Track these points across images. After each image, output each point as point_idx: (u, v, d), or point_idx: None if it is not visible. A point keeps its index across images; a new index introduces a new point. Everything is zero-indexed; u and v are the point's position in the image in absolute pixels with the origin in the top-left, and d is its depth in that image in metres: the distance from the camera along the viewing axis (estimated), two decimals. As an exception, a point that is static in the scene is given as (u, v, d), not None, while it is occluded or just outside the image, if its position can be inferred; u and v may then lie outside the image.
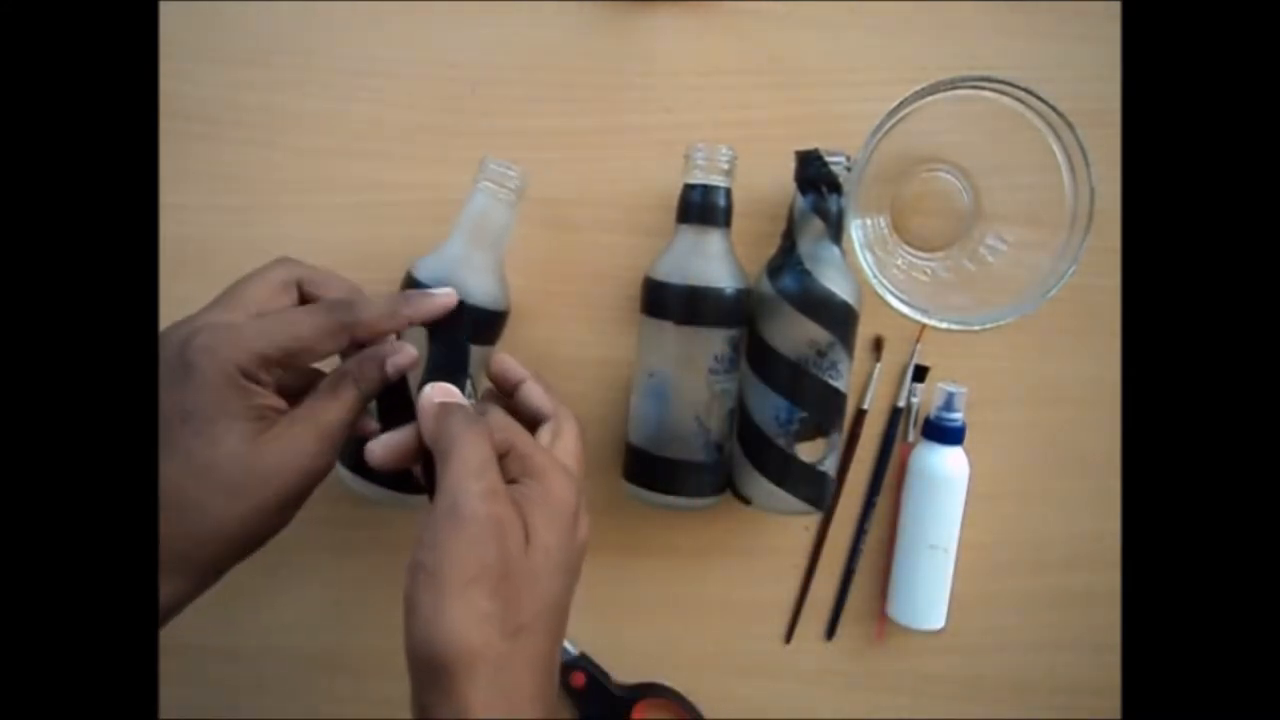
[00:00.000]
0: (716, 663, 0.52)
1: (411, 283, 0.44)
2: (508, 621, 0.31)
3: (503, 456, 0.35)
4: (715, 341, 0.45)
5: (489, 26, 0.50)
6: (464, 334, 0.41)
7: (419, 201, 0.50)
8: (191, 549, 0.34)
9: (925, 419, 0.49)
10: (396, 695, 0.46)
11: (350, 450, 0.42)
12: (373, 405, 0.39)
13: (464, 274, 0.43)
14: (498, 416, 0.37)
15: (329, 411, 0.37)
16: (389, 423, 0.38)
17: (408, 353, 0.38)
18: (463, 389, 0.39)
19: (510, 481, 0.35)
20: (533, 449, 0.37)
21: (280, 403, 0.37)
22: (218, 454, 0.34)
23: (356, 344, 0.38)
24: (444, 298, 0.40)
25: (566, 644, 0.51)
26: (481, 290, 0.44)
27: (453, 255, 0.44)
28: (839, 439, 0.47)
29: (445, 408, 0.36)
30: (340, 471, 0.44)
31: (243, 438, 0.34)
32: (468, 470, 0.33)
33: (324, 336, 0.37)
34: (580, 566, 0.37)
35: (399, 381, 0.38)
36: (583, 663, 0.51)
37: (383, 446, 0.37)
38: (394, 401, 0.39)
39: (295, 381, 0.39)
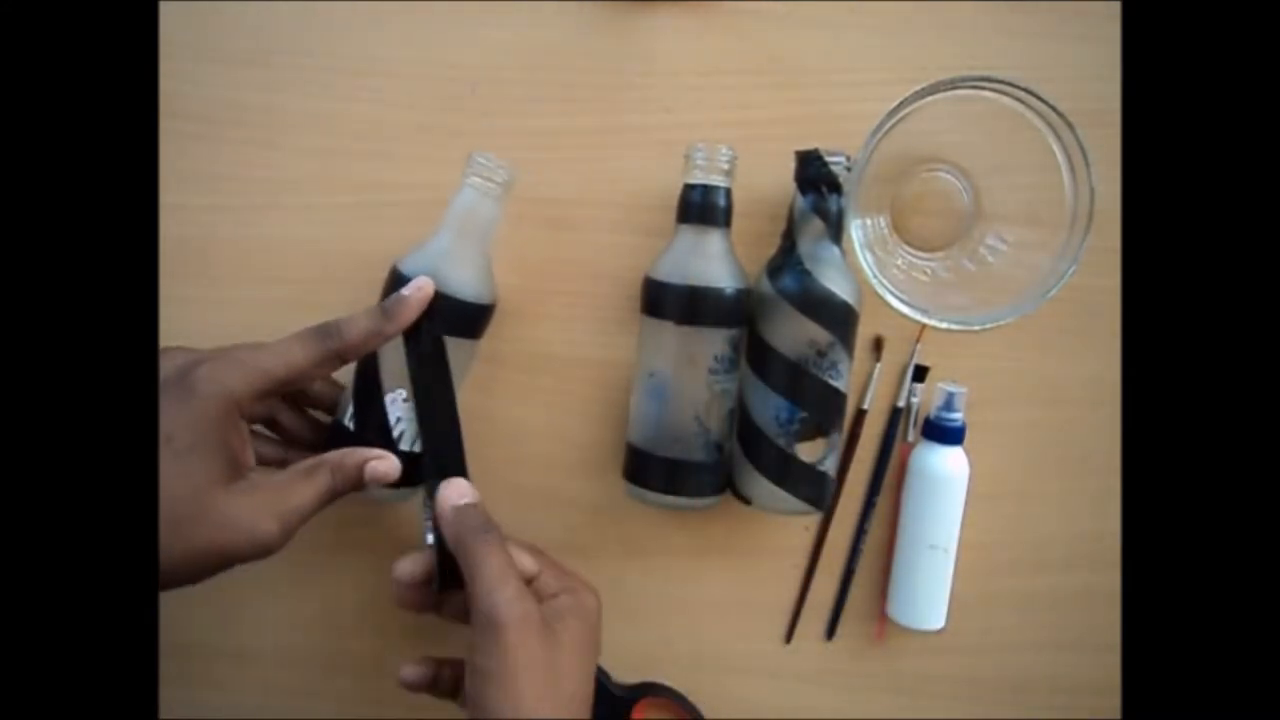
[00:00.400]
0: (716, 663, 0.52)
1: (396, 277, 0.44)
2: (559, 702, 0.37)
3: (531, 581, 0.42)
4: (715, 341, 0.45)
5: (489, 26, 0.50)
6: (437, 328, 0.43)
7: (419, 201, 0.50)
8: None
9: (925, 419, 0.49)
10: (396, 695, 0.46)
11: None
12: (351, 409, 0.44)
13: (448, 268, 0.43)
14: (524, 558, 0.42)
15: (298, 495, 0.37)
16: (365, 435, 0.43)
17: (391, 464, 0.40)
18: (447, 389, 0.43)
19: (550, 596, 0.41)
20: (558, 566, 0.44)
21: (251, 459, 0.38)
22: (181, 483, 0.34)
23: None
24: (420, 293, 0.41)
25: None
26: (465, 283, 0.44)
27: (437, 249, 0.44)
28: (839, 439, 0.47)
29: (460, 513, 0.39)
30: None
31: (210, 477, 0.35)
32: (494, 581, 0.37)
33: (315, 363, 0.39)
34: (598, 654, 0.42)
35: (378, 404, 0.43)
36: None
37: (406, 588, 0.42)
38: (371, 419, 0.43)
39: (292, 424, 0.44)
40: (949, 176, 0.49)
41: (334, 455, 0.39)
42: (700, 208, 0.45)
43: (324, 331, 0.40)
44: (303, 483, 0.38)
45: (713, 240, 0.45)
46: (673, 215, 0.46)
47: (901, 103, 0.41)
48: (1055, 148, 0.43)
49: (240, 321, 0.51)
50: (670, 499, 0.46)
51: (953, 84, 0.41)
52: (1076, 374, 0.51)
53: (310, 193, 0.50)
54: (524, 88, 0.50)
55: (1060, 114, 0.41)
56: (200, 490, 0.34)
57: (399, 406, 0.44)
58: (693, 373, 0.45)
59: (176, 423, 0.34)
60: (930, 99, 0.42)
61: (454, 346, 0.44)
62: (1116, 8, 0.47)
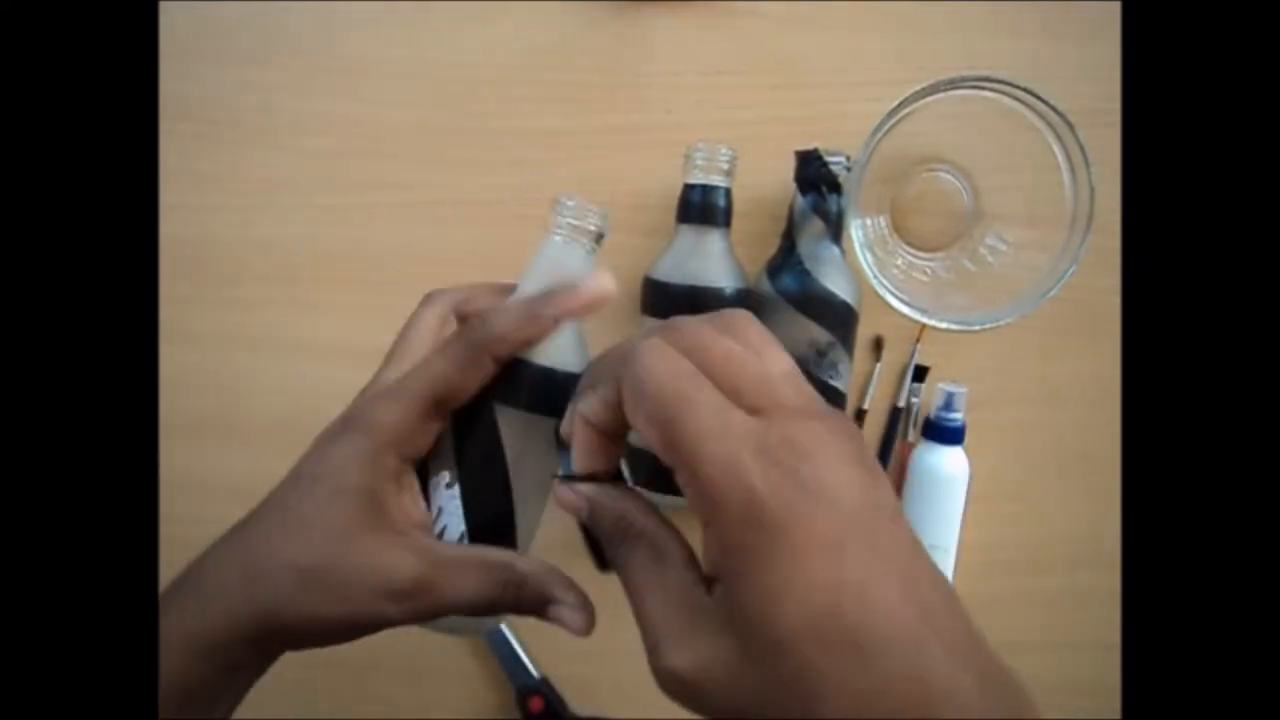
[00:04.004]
0: (716, 663, 0.52)
1: None
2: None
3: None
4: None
5: (489, 26, 0.50)
6: (513, 398, 0.33)
7: (419, 202, 0.50)
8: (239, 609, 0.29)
9: (925, 419, 0.49)
10: (396, 695, 0.46)
11: None
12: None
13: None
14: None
15: (458, 576, 0.30)
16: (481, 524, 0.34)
17: (587, 617, 0.32)
18: (500, 475, 0.34)
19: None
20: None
21: (415, 513, 0.32)
22: (310, 531, 0.30)
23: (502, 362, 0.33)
24: (599, 289, 0.33)
25: (529, 667, 0.51)
26: (559, 353, 0.34)
27: None
28: (839, 439, 0.47)
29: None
30: None
31: (350, 520, 0.30)
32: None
33: (465, 370, 0.32)
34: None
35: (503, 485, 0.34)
36: (543, 688, 0.51)
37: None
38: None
39: None
40: (949, 176, 0.49)
41: (528, 564, 0.32)
42: (700, 208, 0.45)
43: (469, 327, 0.33)
44: (472, 570, 0.31)
45: (713, 240, 0.45)
46: (673, 215, 0.46)
47: (901, 103, 0.41)
48: (1055, 148, 0.43)
49: (240, 321, 0.51)
50: (671, 499, 0.45)
51: (953, 84, 0.41)
52: (1076, 374, 0.51)
53: (310, 193, 0.50)
54: (524, 88, 0.50)
55: (1060, 114, 0.41)
56: (336, 534, 0.29)
57: (441, 493, 0.35)
58: (693, 373, 0.45)
59: (319, 467, 0.30)
60: (930, 99, 0.42)
61: (528, 426, 0.34)
62: (1116, 8, 0.47)
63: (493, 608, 0.31)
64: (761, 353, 0.26)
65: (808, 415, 0.24)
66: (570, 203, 0.36)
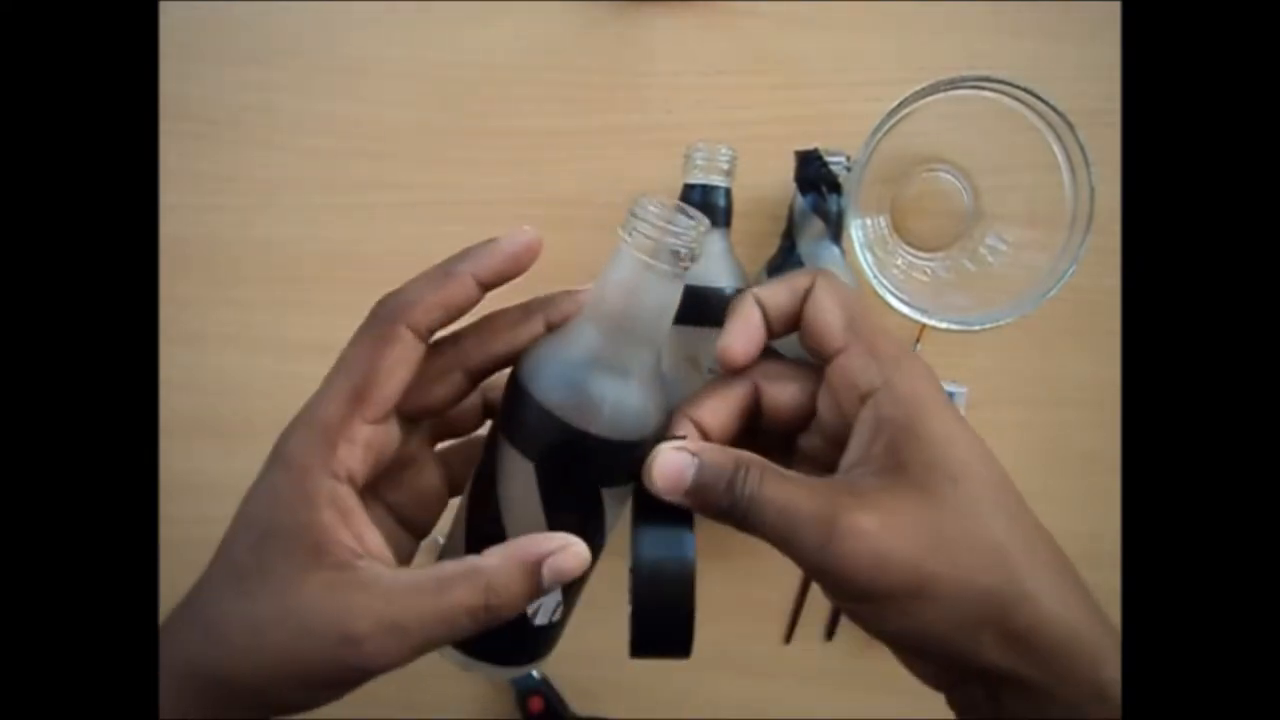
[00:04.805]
0: (716, 662, 0.52)
1: (518, 392, 0.28)
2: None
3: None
4: (715, 341, 0.45)
5: (489, 26, 0.50)
6: (578, 474, 0.28)
7: (418, 202, 0.50)
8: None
9: (925, 419, 0.49)
10: (396, 695, 0.46)
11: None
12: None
13: (602, 385, 0.27)
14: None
15: (416, 602, 0.25)
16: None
17: (579, 552, 0.27)
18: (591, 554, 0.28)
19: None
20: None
21: (367, 542, 0.27)
22: (252, 582, 0.26)
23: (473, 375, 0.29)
24: (515, 243, 0.30)
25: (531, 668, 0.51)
26: (625, 412, 0.27)
27: (583, 352, 0.28)
28: (839, 439, 0.47)
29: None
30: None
31: (292, 567, 0.26)
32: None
33: (379, 350, 0.28)
34: None
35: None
36: (543, 687, 0.51)
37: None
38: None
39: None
40: (949, 176, 0.49)
41: (493, 557, 0.26)
42: (700, 208, 0.45)
43: (376, 305, 0.28)
44: (428, 596, 0.25)
45: (713, 240, 0.45)
46: (673, 215, 0.46)
47: (901, 103, 0.41)
48: (1055, 148, 0.43)
49: (240, 321, 0.51)
50: None
51: (953, 84, 0.41)
52: (1076, 374, 0.51)
53: (310, 193, 0.50)
54: (524, 88, 0.50)
55: (1060, 114, 0.41)
56: (277, 582, 0.25)
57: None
58: (693, 373, 0.45)
59: (247, 509, 0.27)
60: (930, 99, 0.42)
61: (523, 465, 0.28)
62: (1116, 8, 0.47)
63: (474, 614, 0.26)
64: None
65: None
66: (654, 208, 0.27)
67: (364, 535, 0.27)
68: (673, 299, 0.28)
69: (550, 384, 0.27)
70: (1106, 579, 0.51)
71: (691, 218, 0.27)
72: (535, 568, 0.26)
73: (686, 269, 0.27)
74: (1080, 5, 0.49)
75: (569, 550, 0.27)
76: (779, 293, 0.29)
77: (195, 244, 0.50)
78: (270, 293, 0.51)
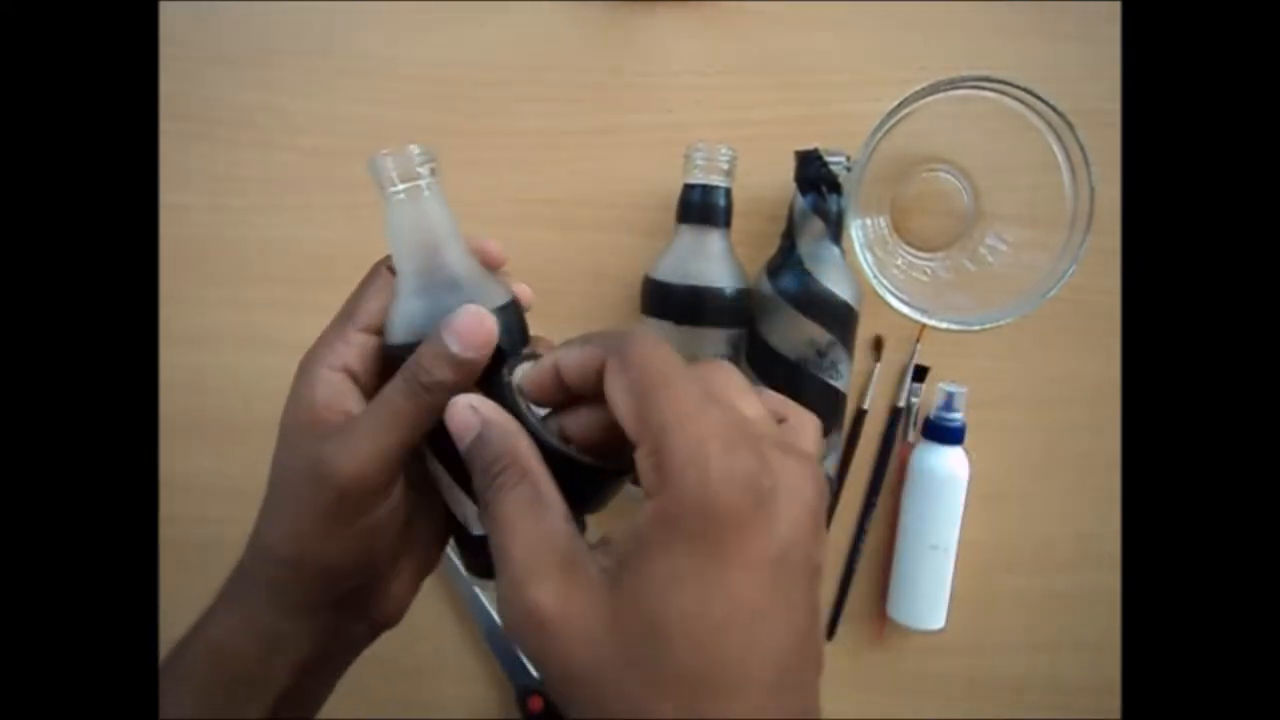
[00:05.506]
0: (716, 663, 0.52)
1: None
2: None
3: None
4: (715, 341, 0.45)
5: (489, 26, 0.50)
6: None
7: (419, 201, 0.50)
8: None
9: (925, 419, 0.49)
10: (396, 695, 0.46)
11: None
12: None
13: (392, 306, 0.33)
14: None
15: (372, 418, 0.30)
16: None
17: (483, 318, 0.30)
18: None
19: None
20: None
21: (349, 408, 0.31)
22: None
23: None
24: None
25: (529, 667, 0.50)
26: (398, 321, 0.32)
27: (396, 287, 0.34)
28: (839, 439, 0.47)
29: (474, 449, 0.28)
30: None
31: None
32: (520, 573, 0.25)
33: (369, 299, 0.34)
34: None
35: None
36: (543, 688, 0.50)
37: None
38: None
39: None
40: (949, 176, 0.49)
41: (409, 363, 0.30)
42: (700, 208, 0.45)
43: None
44: (375, 403, 0.30)
45: (713, 240, 0.45)
46: (673, 215, 0.46)
47: (901, 103, 0.41)
48: (1055, 148, 0.43)
49: (240, 321, 0.51)
50: None
51: (953, 84, 0.41)
52: (1076, 374, 0.51)
53: (310, 193, 0.50)
54: (524, 88, 0.50)
55: (1060, 114, 0.41)
56: (284, 458, 0.31)
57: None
58: (693, 373, 0.45)
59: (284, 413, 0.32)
60: (930, 99, 0.42)
61: None
62: (1116, 8, 0.47)
63: (417, 415, 0.29)
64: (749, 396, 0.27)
65: (786, 449, 0.25)
66: (387, 154, 0.31)
67: (353, 411, 0.31)
68: (442, 205, 0.32)
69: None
70: (1106, 579, 0.52)
71: (415, 146, 0.31)
72: (439, 337, 0.29)
73: (434, 176, 0.31)
74: (1080, 5, 0.49)
75: (465, 310, 0.29)
76: (574, 361, 0.27)
77: (195, 244, 0.50)
78: (270, 293, 0.51)
